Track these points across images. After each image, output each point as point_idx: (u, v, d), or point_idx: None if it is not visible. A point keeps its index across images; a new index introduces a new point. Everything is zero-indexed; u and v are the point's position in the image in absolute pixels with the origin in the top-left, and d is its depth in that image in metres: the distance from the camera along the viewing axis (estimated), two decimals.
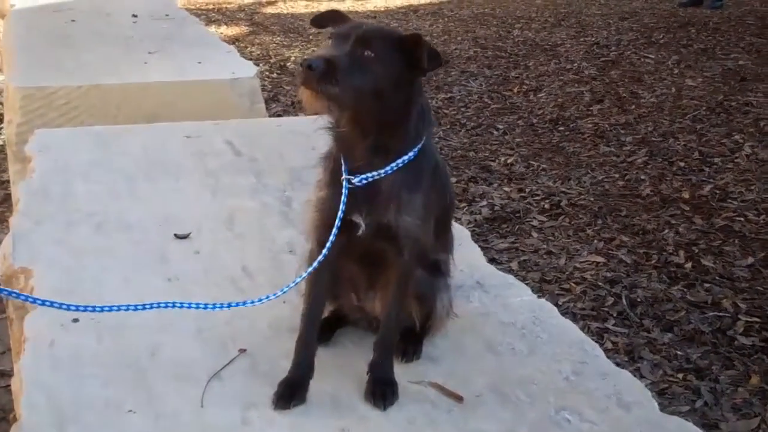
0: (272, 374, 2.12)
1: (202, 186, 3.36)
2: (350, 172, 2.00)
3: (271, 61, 8.87)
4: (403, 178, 2.00)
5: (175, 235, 2.91)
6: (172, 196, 3.25)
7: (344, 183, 1.99)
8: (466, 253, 2.78)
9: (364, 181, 1.98)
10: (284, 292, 2.14)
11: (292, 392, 2.07)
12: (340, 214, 1.99)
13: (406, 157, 1.98)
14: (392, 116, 1.95)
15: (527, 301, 2.55)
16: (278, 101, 7.43)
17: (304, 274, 2.11)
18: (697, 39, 9.16)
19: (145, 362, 2.20)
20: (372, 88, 1.88)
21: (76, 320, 2.35)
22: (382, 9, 11.87)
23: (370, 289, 2.21)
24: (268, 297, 2.14)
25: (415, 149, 2.00)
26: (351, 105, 1.89)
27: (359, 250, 2.10)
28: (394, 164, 1.97)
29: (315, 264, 2.06)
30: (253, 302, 2.15)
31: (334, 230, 2.00)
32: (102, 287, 2.56)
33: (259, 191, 3.33)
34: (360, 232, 2.03)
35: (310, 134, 4.15)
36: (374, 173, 1.98)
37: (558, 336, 2.38)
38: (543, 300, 2.60)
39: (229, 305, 2.17)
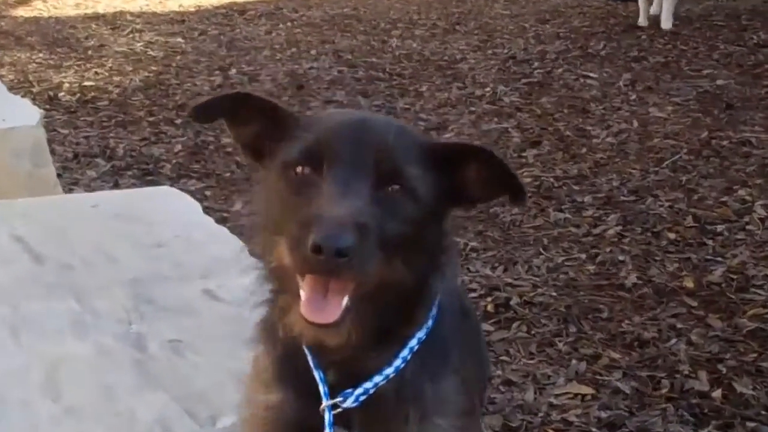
0: None
1: None
2: (323, 369, 1.69)
3: (34, 89, 8.49)
4: (420, 362, 1.72)
5: None
6: None
7: (327, 410, 1.68)
8: None
9: (362, 398, 1.68)
10: None
11: None
12: None
13: (422, 334, 1.70)
14: (410, 276, 1.61)
15: None
16: (54, 153, 6.97)
17: None
18: (652, 48, 9.34)
19: None
20: (402, 244, 1.56)
21: None
22: (192, 9, 11.68)
23: None
24: None
25: (433, 312, 1.72)
26: (376, 280, 1.54)
27: None
28: (405, 353, 1.69)
29: None
30: None
31: None
32: None
33: (87, 326, 2.99)
34: None
35: (150, 221, 3.85)
36: (376, 380, 1.68)
37: None
38: None
39: None
